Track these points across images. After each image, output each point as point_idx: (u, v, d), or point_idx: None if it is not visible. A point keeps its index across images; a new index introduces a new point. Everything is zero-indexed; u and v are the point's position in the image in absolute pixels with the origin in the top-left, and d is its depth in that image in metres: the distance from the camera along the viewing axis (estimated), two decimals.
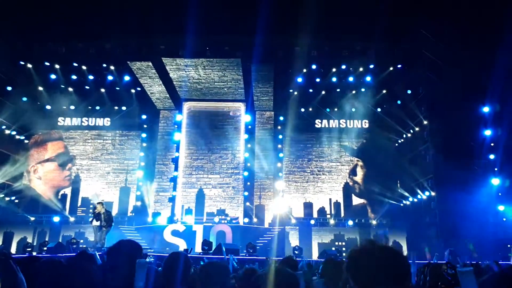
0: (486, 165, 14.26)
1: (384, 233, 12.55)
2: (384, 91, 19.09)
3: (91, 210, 15.11)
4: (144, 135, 20.40)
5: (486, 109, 14.52)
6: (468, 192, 13.11)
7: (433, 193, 16.09)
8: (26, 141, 19.91)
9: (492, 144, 14.44)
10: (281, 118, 20.39)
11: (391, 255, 1.70)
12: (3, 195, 18.10)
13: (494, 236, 13.15)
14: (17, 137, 19.20)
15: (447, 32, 13.90)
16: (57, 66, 18.11)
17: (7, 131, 18.42)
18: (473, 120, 14.44)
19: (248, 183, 19.74)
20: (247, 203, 19.37)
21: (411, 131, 18.44)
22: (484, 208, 13.43)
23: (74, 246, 13.76)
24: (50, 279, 2.30)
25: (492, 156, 14.36)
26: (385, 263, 1.66)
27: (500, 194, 14.19)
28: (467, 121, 14.28)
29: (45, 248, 13.62)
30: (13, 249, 16.94)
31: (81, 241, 16.66)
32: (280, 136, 20.31)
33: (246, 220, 18.55)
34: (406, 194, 18.25)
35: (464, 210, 13.07)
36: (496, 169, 14.28)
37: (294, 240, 17.53)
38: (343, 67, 18.09)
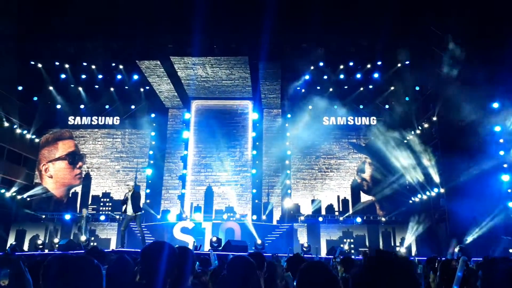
0: (495, 161, 14.12)
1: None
2: (392, 88, 19.01)
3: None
4: (153, 133, 20.57)
5: (495, 105, 14.39)
6: (478, 189, 13.01)
7: (442, 190, 16.00)
8: (37, 140, 20.19)
9: (501, 141, 14.30)
10: (289, 116, 20.40)
11: (398, 269, 1.67)
12: (15, 194, 18.38)
13: (504, 234, 13.05)
14: (28, 136, 19.45)
15: (456, 28, 13.79)
16: (66, 66, 18.40)
17: (18, 130, 18.67)
18: (482, 116, 14.30)
19: (257, 181, 19.82)
20: (256, 200, 19.45)
21: (420, 127, 18.33)
22: (494, 205, 13.33)
23: (85, 243, 13.95)
24: (58, 274, 2.34)
25: (502, 153, 14.23)
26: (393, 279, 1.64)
27: (510, 190, 14.06)
28: (476, 117, 14.14)
29: (56, 246, 13.84)
30: (25, 247, 17.27)
31: (92, 238, 16.92)
32: (288, 134, 20.31)
33: (255, 217, 18.63)
34: (415, 191, 18.17)
35: (474, 207, 12.99)
36: (505, 165, 14.15)
37: (302, 237, 17.58)
38: (351, 64, 18.07)
